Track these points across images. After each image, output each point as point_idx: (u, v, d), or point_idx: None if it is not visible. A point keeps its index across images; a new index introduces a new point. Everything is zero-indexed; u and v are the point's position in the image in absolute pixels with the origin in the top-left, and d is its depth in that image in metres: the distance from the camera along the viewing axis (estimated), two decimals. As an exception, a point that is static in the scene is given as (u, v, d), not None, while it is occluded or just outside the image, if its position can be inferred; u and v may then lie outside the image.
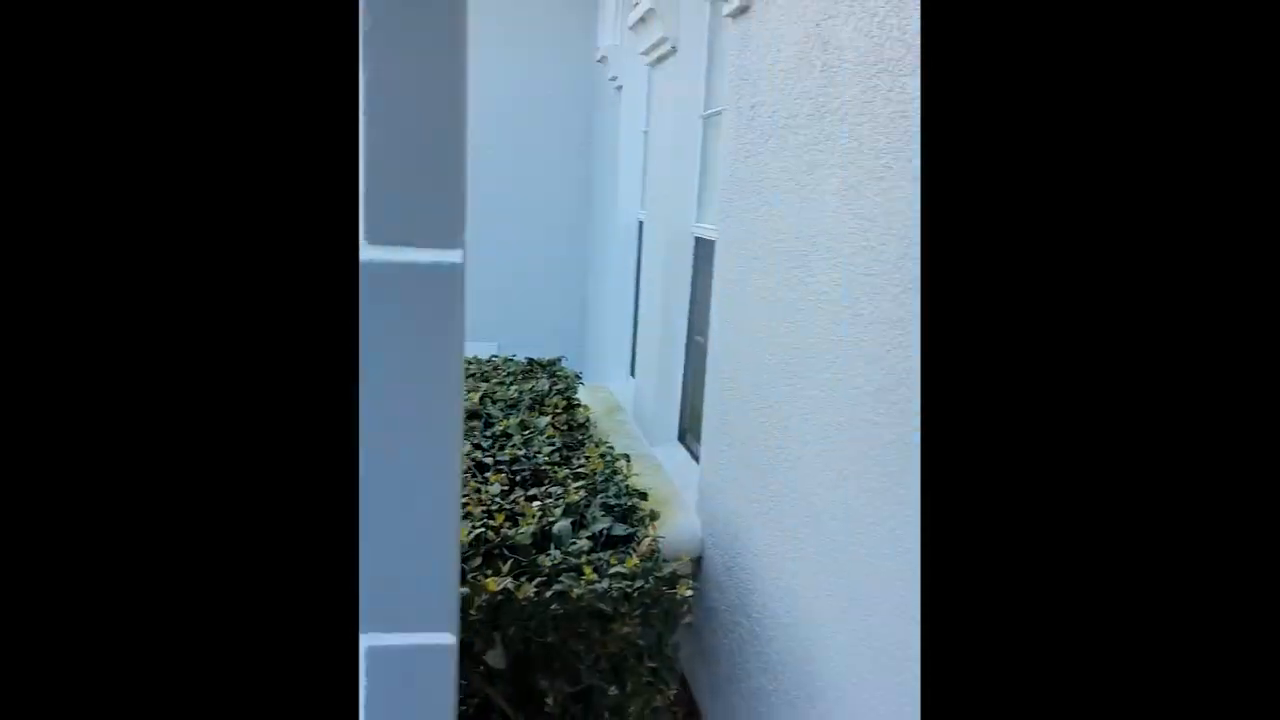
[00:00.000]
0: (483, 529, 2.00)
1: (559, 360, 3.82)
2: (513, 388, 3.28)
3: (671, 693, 1.99)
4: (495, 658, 1.83)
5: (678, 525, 2.87)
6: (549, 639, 1.81)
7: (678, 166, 3.56)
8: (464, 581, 1.82)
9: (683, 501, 3.07)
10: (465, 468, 2.42)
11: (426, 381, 0.73)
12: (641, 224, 4.45)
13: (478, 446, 2.64)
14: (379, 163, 0.70)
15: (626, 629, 1.85)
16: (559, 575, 1.87)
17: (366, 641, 0.76)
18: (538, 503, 2.20)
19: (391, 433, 0.73)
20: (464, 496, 2.20)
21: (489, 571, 1.87)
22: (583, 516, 2.18)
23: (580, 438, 2.81)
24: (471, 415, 2.93)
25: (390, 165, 0.70)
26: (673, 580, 1.91)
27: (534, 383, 3.35)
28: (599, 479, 2.40)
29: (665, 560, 2.01)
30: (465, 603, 1.78)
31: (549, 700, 1.83)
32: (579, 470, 2.48)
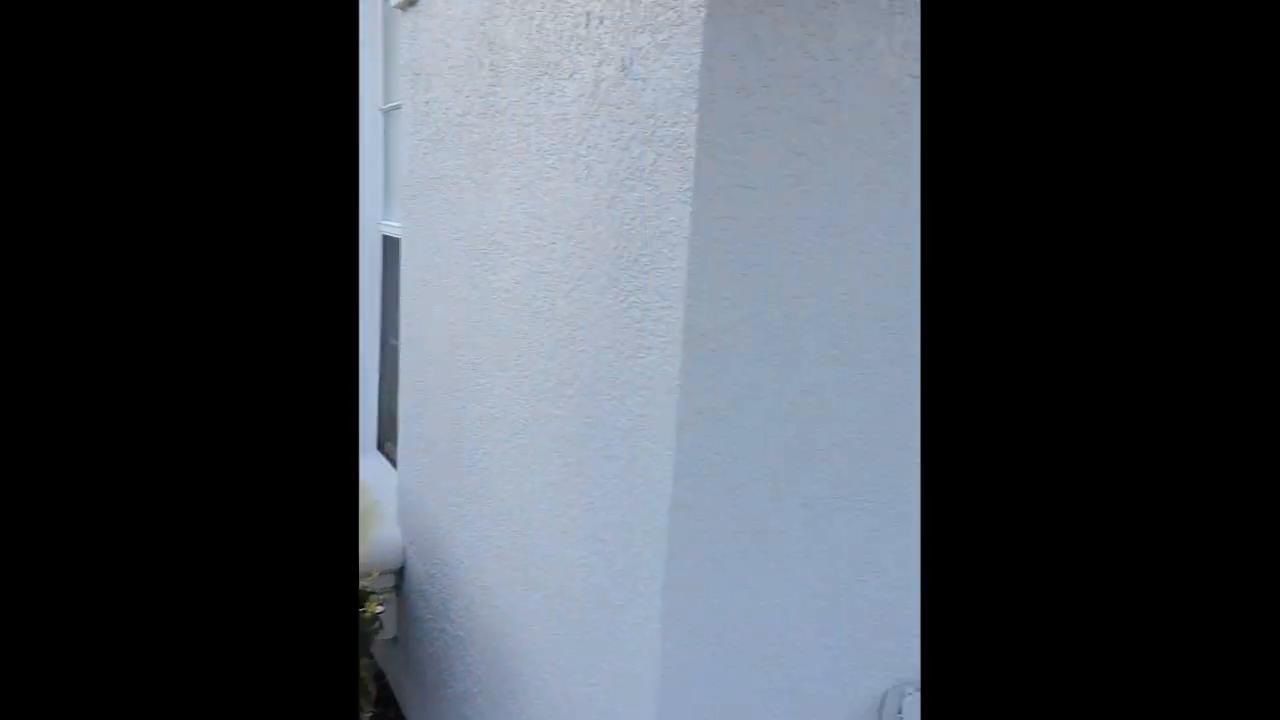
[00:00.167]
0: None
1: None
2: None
3: (368, 715, 1.89)
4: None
5: (378, 537, 2.74)
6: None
7: (359, 160, 3.38)
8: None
9: (383, 512, 2.94)
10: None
11: None
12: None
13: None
14: None
15: (312, 657, 1.72)
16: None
17: None
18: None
19: None
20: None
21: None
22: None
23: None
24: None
25: None
26: (362, 598, 1.82)
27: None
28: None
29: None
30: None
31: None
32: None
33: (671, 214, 1.29)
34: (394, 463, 3.25)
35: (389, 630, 2.39)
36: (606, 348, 1.49)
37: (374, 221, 3.43)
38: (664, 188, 1.31)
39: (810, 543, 1.44)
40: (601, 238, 1.48)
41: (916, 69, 1.36)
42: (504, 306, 1.94)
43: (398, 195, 3.05)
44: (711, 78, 1.23)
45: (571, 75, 1.57)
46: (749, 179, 1.28)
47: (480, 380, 2.10)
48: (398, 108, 3.06)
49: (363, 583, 1.87)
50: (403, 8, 2.47)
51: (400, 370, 2.78)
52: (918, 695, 1.48)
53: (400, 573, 2.76)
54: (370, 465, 3.41)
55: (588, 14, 1.49)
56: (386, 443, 3.47)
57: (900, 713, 1.47)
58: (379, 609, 1.83)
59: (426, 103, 2.39)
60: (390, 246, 3.29)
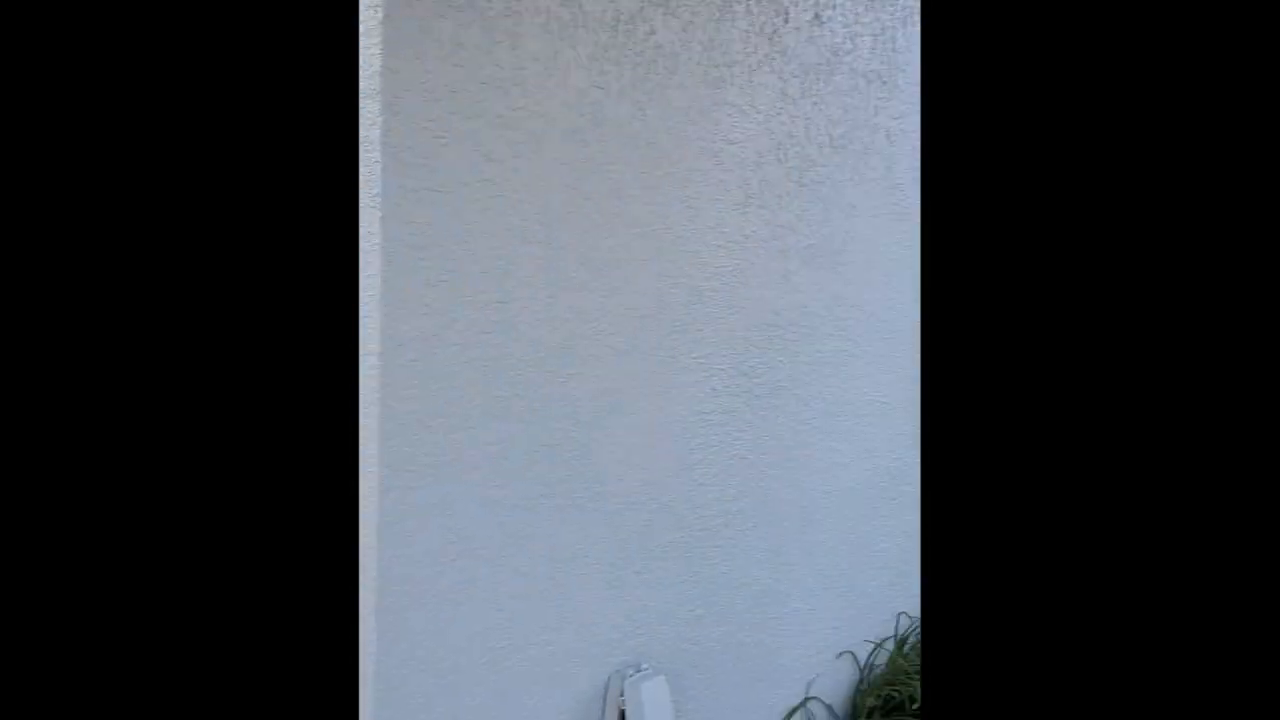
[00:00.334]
0: None
1: None
2: None
3: None
4: None
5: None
6: None
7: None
8: None
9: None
10: None
11: None
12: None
13: None
14: None
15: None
16: None
17: None
18: None
19: None
20: None
21: None
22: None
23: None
24: None
25: None
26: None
27: None
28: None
29: None
30: None
31: None
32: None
33: (362, 220, 1.25)
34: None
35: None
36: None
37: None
38: (353, 192, 1.26)
39: (517, 546, 1.46)
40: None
41: (603, 80, 1.43)
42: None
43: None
44: (395, 80, 1.20)
45: None
46: (439, 183, 1.27)
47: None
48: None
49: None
50: None
51: None
52: (639, 675, 1.56)
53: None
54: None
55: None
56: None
57: (623, 695, 1.53)
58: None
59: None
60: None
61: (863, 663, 2.24)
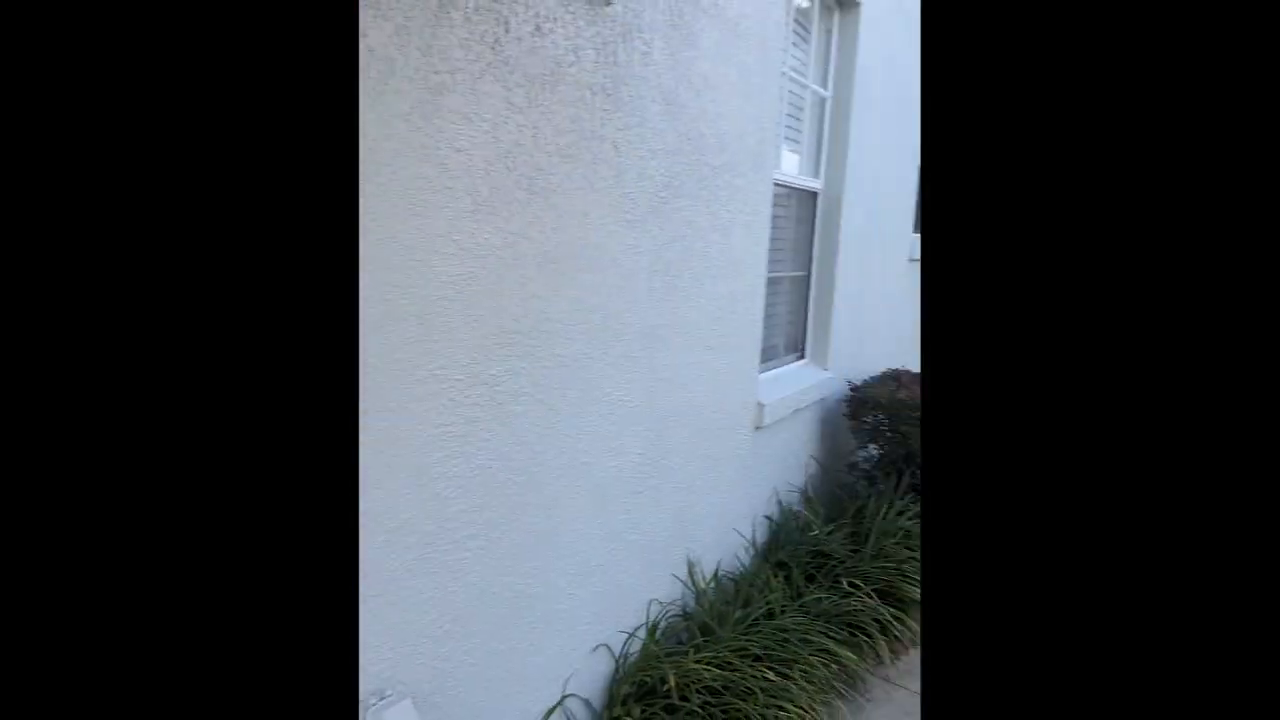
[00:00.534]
0: None
1: None
2: None
3: None
4: None
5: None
6: None
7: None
8: None
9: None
10: None
11: None
12: None
13: None
14: None
15: None
16: None
17: None
18: None
19: None
20: None
21: None
22: None
23: None
24: None
25: None
26: None
27: None
28: None
29: None
30: None
31: None
32: None
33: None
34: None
35: None
36: None
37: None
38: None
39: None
40: None
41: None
42: None
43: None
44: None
45: None
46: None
47: None
48: None
49: None
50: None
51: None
52: (382, 703, 1.50)
53: None
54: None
55: None
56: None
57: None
58: None
59: None
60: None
61: (618, 653, 2.32)
